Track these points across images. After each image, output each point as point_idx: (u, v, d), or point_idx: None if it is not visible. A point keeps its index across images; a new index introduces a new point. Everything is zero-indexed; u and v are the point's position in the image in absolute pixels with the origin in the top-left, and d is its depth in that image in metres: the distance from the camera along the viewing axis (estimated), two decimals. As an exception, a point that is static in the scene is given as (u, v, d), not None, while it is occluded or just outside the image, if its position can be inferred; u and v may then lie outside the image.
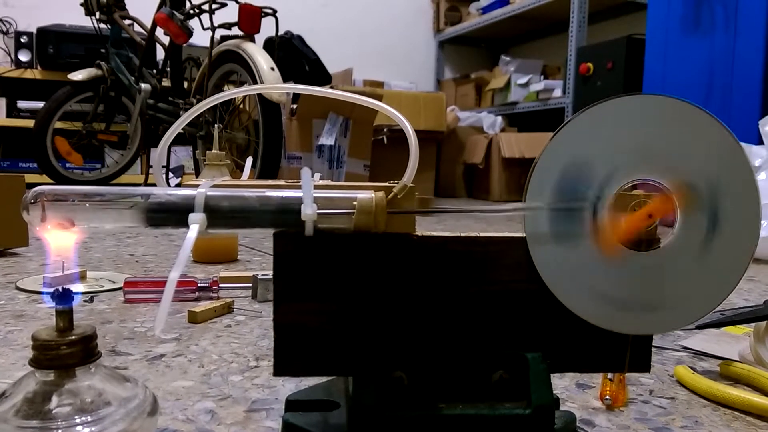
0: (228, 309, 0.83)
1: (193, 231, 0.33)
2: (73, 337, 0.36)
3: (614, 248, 0.36)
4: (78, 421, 0.35)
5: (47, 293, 0.87)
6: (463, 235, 0.38)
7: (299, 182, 0.37)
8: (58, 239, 0.36)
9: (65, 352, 0.35)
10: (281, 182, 0.40)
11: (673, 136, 0.36)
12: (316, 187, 0.37)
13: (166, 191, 0.36)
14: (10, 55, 3.36)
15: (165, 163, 2.58)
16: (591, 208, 0.36)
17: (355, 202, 0.36)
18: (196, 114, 0.42)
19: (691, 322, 0.38)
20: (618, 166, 0.36)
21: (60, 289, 0.35)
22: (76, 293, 0.37)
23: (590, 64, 3.02)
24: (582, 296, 0.37)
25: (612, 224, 0.36)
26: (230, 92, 0.43)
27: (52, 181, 2.72)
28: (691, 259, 0.37)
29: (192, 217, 0.34)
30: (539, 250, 0.37)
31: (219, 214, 0.35)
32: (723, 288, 0.37)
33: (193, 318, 0.77)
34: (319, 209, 0.35)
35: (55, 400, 0.35)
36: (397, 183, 0.38)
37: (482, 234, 0.39)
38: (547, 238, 0.37)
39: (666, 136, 0.36)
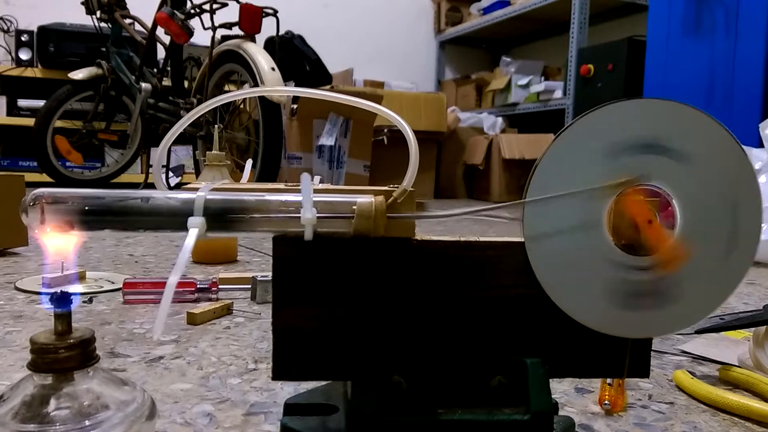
0: (227, 310, 0.83)
1: (192, 235, 0.33)
2: (72, 341, 0.36)
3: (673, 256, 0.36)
4: (76, 425, 0.34)
5: (46, 294, 0.87)
6: (462, 239, 0.38)
7: (299, 185, 0.37)
8: (57, 242, 0.36)
9: (63, 356, 0.35)
10: (281, 185, 0.40)
11: (674, 140, 0.36)
12: (316, 191, 0.36)
13: (165, 194, 0.36)
14: (10, 53, 3.36)
15: (165, 164, 2.58)
16: (591, 197, 0.36)
17: (354, 207, 0.36)
18: (198, 115, 0.41)
19: (690, 325, 0.38)
20: (617, 171, 0.36)
21: (58, 293, 0.35)
22: (75, 296, 0.37)
23: (591, 66, 3.02)
24: (580, 300, 0.37)
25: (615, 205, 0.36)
26: (232, 94, 0.43)
27: (52, 180, 2.72)
28: (691, 262, 0.37)
29: (191, 220, 0.34)
30: (537, 254, 0.37)
31: (218, 218, 0.35)
32: (722, 292, 0.37)
33: (192, 319, 0.77)
34: (318, 213, 0.35)
35: (53, 403, 0.35)
36: (397, 187, 0.38)
37: (481, 238, 0.39)
38: (547, 240, 0.37)
39: (668, 140, 0.36)
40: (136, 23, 2.54)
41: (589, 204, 0.36)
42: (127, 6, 2.56)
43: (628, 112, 0.36)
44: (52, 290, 0.35)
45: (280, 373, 0.38)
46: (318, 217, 0.35)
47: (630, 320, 0.37)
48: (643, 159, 0.36)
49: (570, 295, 0.37)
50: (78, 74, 2.55)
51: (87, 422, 0.35)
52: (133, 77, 2.47)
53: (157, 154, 0.44)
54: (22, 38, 3.29)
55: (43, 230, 0.35)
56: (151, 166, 3.05)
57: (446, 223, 1.90)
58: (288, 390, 0.56)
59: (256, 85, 1.91)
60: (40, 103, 2.83)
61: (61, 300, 0.35)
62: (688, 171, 0.36)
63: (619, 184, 0.36)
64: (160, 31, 2.29)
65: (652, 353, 0.41)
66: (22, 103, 3.29)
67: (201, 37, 2.27)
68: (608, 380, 0.55)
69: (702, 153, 0.36)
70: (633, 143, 0.36)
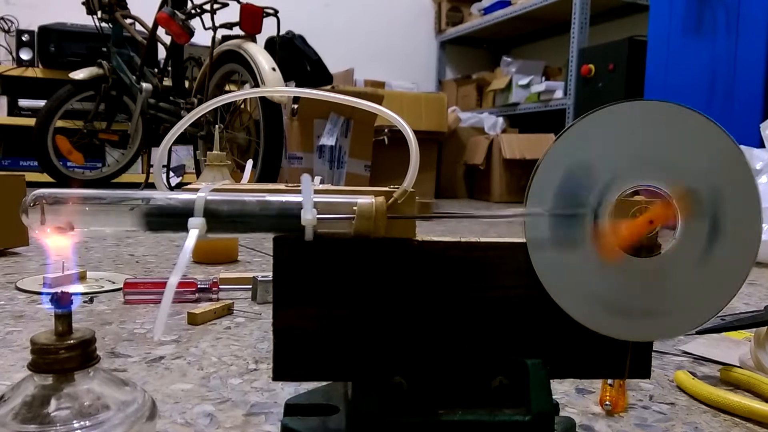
0: (228, 311, 0.82)
1: (192, 236, 0.33)
2: (72, 342, 0.36)
3: (615, 253, 0.36)
4: (77, 425, 0.34)
5: (46, 294, 0.87)
6: (463, 240, 0.38)
7: (299, 186, 0.37)
8: (57, 242, 0.36)
9: (64, 357, 0.35)
10: (281, 186, 0.40)
11: (674, 142, 0.36)
12: (317, 191, 0.36)
13: (165, 195, 0.36)
14: (11, 53, 3.36)
15: (165, 164, 2.58)
16: (592, 213, 0.36)
17: (355, 207, 0.36)
18: (199, 115, 0.41)
19: (692, 328, 0.38)
20: (619, 172, 0.36)
21: (59, 293, 0.35)
22: (75, 296, 0.37)
23: (592, 66, 3.02)
24: (582, 302, 0.37)
25: (613, 229, 0.36)
26: (233, 94, 0.43)
27: (53, 180, 2.72)
28: (692, 265, 0.37)
29: (191, 221, 0.34)
30: (540, 255, 0.37)
31: (218, 219, 0.35)
32: (724, 294, 0.37)
33: (193, 320, 0.77)
34: (319, 214, 0.35)
35: (53, 404, 0.35)
36: (398, 187, 0.38)
37: (482, 239, 0.39)
38: (548, 244, 0.37)
39: (667, 142, 0.36)
40: (136, 23, 2.55)
41: (591, 205, 0.36)
42: (128, 6, 2.56)
43: (629, 113, 0.36)
44: (53, 290, 0.35)
45: (280, 373, 0.38)
46: (318, 218, 0.35)
47: (631, 323, 0.37)
48: (642, 160, 0.36)
49: (571, 297, 0.37)
50: (79, 74, 2.56)
51: (87, 423, 0.35)
52: (134, 77, 2.47)
53: (158, 154, 0.44)
54: (23, 38, 3.29)
55: (43, 231, 0.35)
56: (151, 166, 3.05)
57: (447, 224, 1.90)
58: (288, 390, 0.56)
59: (256, 85, 1.91)
60: (41, 103, 2.83)
61: (62, 300, 0.35)
62: (688, 171, 0.36)
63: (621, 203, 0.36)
64: (160, 31, 2.29)
65: (653, 354, 0.41)
66: (23, 103, 3.29)
67: (202, 37, 2.27)
68: (609, 381, 0.54)
69: (702, 156, 0.36)
70: (633, 144, 0.36)
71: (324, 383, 0.46)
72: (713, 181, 0.36)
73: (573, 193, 0.36)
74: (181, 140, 2.69)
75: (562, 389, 0.58)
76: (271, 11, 2.04)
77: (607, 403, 0.53)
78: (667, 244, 0.37)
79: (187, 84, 2.42)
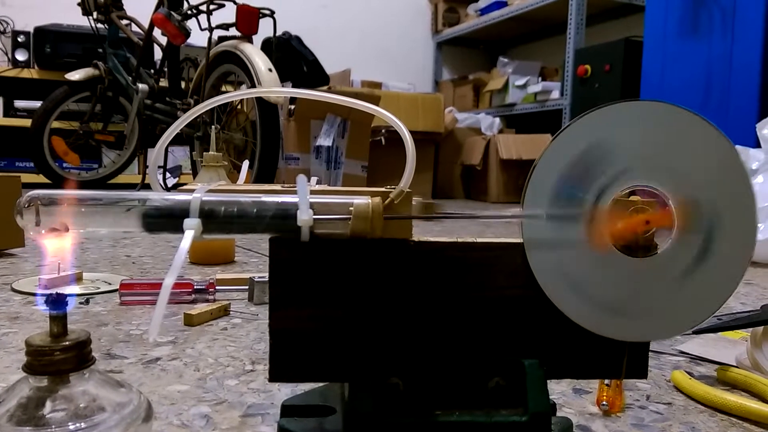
0: (224, 312, 0.82)
1: (188, 237, 0.33)
2: (67, 343, 0.35)
3: (605, 245, 0.36)
4: (72, 427, 0.34)
5: (41, 295, 0.86)
6: (460, 240, 0.38)
7: (296, 187, 0.36)
8: (53, 243, 0.36)
9: (59, 358, 0.35)
10: (277, 187, 0.40)
11: (670, 143, 0.36)
12: (313, 192, 0.36)
13: (161, 196, 0.35)
14: (7, 54, 3.35)
15: (161, 165, 2.58)
16: (588, 214, 0.36)
17: (351, 208, 0.36)
18: (195, 116, 0.41)
19: (688, 329, 0.38)
20: (616, 172, 0.36)
21: (54, 295, 0.35)
22: (70, 297, 0.36)
23: (588, 66, 3.03)
24: (579, 303, 0.37)
25: (608, 220, 0.36)
26: (229, 95, 0.43)
27: (48, 181, 2.72)
28: (688, 266, 0.37)
29: (187, 222, 0.34)
30: (537, 256, 0.37)
31: (214, 220, 0.35)
32: (720, 295, 0.37)
33: (189, 321, 0.77)
34: (315, 215, 0.35)
35: (48, 405, 0.35)
36: (395, 188, 0.38)
37: (479, 240, 0.39)
38: (545, 244, 0.37)
39: (663, 143, 0.36)
40: (132, 24, 2.54)
41: (588, 205, 0.36)
42: (124, 7, 2.56)
43: (626, 114, 0.36)
44: (48, 292, 0.35)
45: (277, 374, 0.38)
46: (314, 219, 0.35)
47: (628, 323, 0.37)
48: (639, 160, 0.36)
49: (568, 297, 0.37)
50: (75, 75, 2.55)
51: (83, 424, 0.35)
52: (130, 78, 2.46)
53: (154, 155, 0.44)
54: (19, 39, 3.29)
55: (38, 232, 0.35)
56: (148, 166, 3.05)
57: (444, 224, 1.90)
58: (285, 391, 0.56)
59: (253, 85, 1.91)
60: (37, 104, 2.82)
61: (56, 302, 0.35)
62: (686, 173, 0.36)
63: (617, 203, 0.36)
64: (157, 32, 2.29)
65: (650, 354, 0.41)
66: (19, 104, 3.28)
67: (198, 38, 2.27)
68: (606, 381, 0.54)
69: (698, 157, 0.36)
70: (631, 145, 0.36)
71: (321, 384, 0.46)
72: (709, 183, 0.36)
73: (570, 194, 0.36)
74: (177, 141, 2.69)
75: (559, 389, 0.58)
76: (267, 12, 2.04)
77: (604, 403, 0.53)
78: (664, 245, 0.37)
79: (183, 85, 2.42)
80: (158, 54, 2.49)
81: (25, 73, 3.27)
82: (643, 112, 0.36)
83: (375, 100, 2.57)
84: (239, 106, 2.15)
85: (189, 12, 2.13)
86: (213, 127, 1.40)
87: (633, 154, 0.36)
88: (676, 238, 0.36)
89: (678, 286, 0.37)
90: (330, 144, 2.50)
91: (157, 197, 0.35)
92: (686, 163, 0.36)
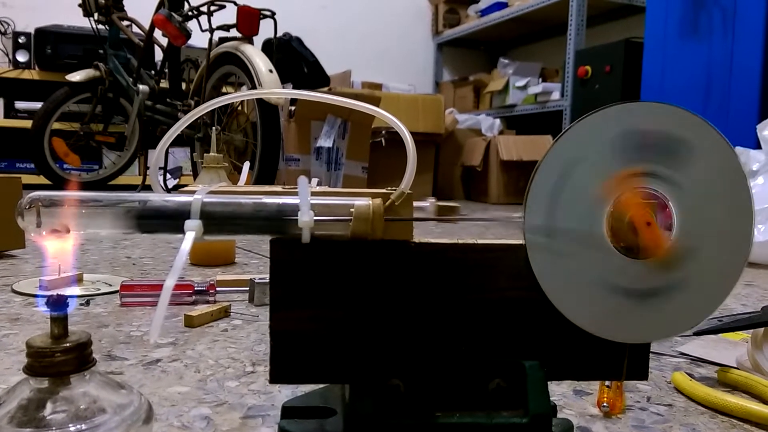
0: (225, 313, 0.82)
1: (189, 238, 0.33)
2: (68, 344, 0.35)
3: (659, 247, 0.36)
4: (72, 428, 0.34)
5: (42, 297, 0.86)
6: (460, 242, 0.38)
7: (296, 188, 0.36)
8: (54, 245, 0.36)
9: (60, 360, 0.35)
10: (278, 188, 0.40)
11: (671, 144, 0.36)
12: (314, 193, 0.36)
13: (162, 197, 0.35)
14: (8, 55, 3.36)
15: (162, 166, 2.58)
16: (590, 218, 0.36)
17: (352, 209, 0.36)
18: (195, 117, 0.41)
19: (687, 329, 0.38)
20: (616, 174, 0.36)
21: (54, 296, 0.35)
22: (71, 298, 0.36)
23: (588, 68, 3.03)
24: (579, 304, 0.37)
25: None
26: (230, 96, 0.43)
27: (49, 182, 2.72)
28: (687, 266, 0.37)
29: (188, 224, 0.34)
30: (537, 257, 0.37)
31: (215, 221, 0.35)
32: (717, 295, 0.37)
33: (190, 322, 0.77)
34: (316, 216, 0.35)
35: (49, 407, 0.35)
36: (395, 189, 0.38)
37: (480, 241, 0.39)
38: (546, 247, 0.37)
39: (664, 143, 0.36)
40: (133, 25, 2.54)
41: (589, 208, 0.36)
42: (125, 8, 2.56)
43: (627, 115, 0.36)
44: (49, 293, 0.35)
45: (277, 376, 0.38)
46: (315, 220, 0.35)
47: (628, 324, 0.37)
48: (641, 162, 0.36)
49: (569, 298, 0.37)
50: (75, 76, 2.55)
51: (83, 426, 0.35)
52: (131, 79, 2.47)
53: (155, 157, 0.44)
54: (20, 40, 3.29)
55: (39, 233, 0.35)
56: (148, 168, 3.05)
57: (444, 225, 1.89)
58: (285, 393, 0.56)
59: (253, 87, 1.91)
60: (38, 105, 2.82)
61: (57, 303, 0.35)
62: (685, 175, 0.36)
63: (618, 178, 0.36)
64: (157, 33, 2.29)
65: (651, 355, 0.41)
66: (20, 105, 3.29)
67: (198, 39, 2.27)
68: (607, 382, 0.54)
69: (698, 158, 0.36)
70: (631, 146, 0.36)
71: (321, 386, 0.46)
72: (708, 183, 0.36)
73: (573, 195, 0.36)
74: (177, 142, 2.69)
75: (559, 391, 0.58)
76: (268, 13, 2.04)
77: (605, 404, 0.53)
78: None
79: (184, 86, 2.42)
80: (159, 55, 2.49)
81: (26, 74, 3.27)
82: (643, 112, 0.36)
83: (375, 101, 2.58)
84: (240, 108, 2.15)
85: (190, 13, 2.13)
86: (213, 128, 1.40)
87: (633, 155, 0.36)
88: (676, 237, 0.36)
89: (678, 286, 0.37)
90: (330, 145, 2.50)
91: (158, 198, 0.35)
92: (686, 161, 0.36)
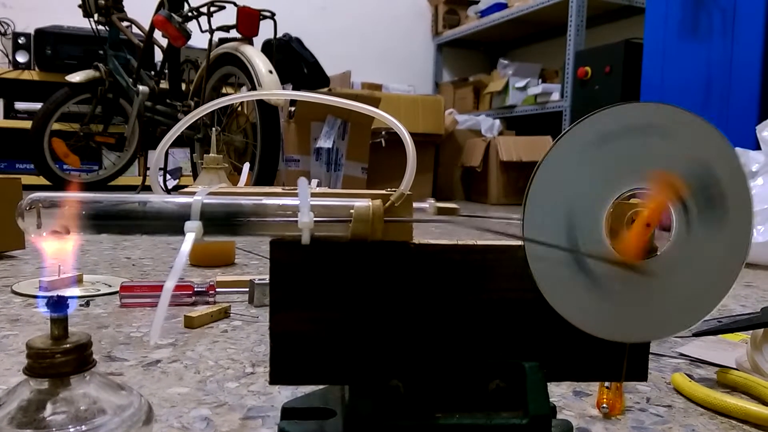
0: (224, 314, 0.82)
1: (189, 239, 0.33)
2: (68, 346, 0.35)
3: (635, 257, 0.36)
4: (72, 430, 0.34)
5: (42, 297, 0.86)
6: (460, 243, 0.38)
7: (296, 189, 0.37)
8: (55, 246, 0.36)
9: (60, 361, 0.35)
10: (278, 189, 0.40)
11: (670, 144, 0.36)
12: (313, 194, 0.36)
13: (162, 198, 0.35)
14: (7, 56, 3.36)
15: (162, 166, 2.58)
16: (588, 226, 0.36)
17: (352, 210, 0.36)
18: (195, 119, 0.41)
19: (687, 328, 0.38)
20: (617, 175, 0.36)
21: (54, 297, 0.35)
22: (71, 299, 0.36)
23: (588, 68, 3.03)
24: (578, 304, 0.37)
25: (626, 245, 0.36)
26: (230, 97, 0.43)
27: (49, 183, 2.72)
28: (686, 266, 0.37)
29: (188, 225, 0.34)
30: (536, 257, 0.37)
31: (215, 222, 0.35)
32: (717, 293, 0.37)
33: (190, 323, 0.77)
34: (315, 217, 0.35)
35: (49, 408, 0.35)
36: (395, 190, 0.38)
37: (480, 242, 0.39)
38: (546, 248, 0.37)
39: (663, 144, 0.36)
40: (133, 26, 2.54)
41: (589, 209, 0.36)
42: (125, 9, 2.56)
43: (627, 116, 0.36)
44: (49, 294, 0.35)
45: (277, 377, 0.38)
46: (315, 221, 0.35)
47: (627, 324, 0.37)
48: (640, 163, 0.36)
49: (568, 299, 0.37)
50: (75, 77, 2.55)
51: (83, 427, 0.35)
52: (131, 80, 2.47)
53: (155, 158, 0.44)
54: (20, 41, 3.29)
55: (39, 235, 0.35)
56: (148, 168, 3.05)
57: (444, 226, 1.90)
58: (285, 394, 0.56)
59: (253, 87, 1.91)
60: (38, 105, 2.82)
61: (57, 305, 0.35)
62: (685, 175, 0.36)
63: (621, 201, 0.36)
64: (157, 34, 2.29)
65: (650, 356, 0.41)
66: (19, 105, 3.29)
67: (198, 39, 2.27)
68: (606, 383, 0.54)
69: (699, 158, 0.36)
70: (631, 147, 0.36)
71: (321, 387, 0.46)
72: (708, 184, 0.36)
73: (572, 195, 0.36)
74: (177, 143, 2.69)
75: (559, 392, 0.58)
76: (267, 14, 2.04)
77: (604, 405, 0.53)
78: (663, 246, 0.37)
79: (183, 87, 2.42)
80: (159, 56, 2.49)
81: (26, 75, 3.27)
82: (643, 113, 0.36)
83: (375, 101, 2.58)
84: (239, 108, 2.15)
85: (189, 14, 2.14)
86: (213, 129, 1.40)
87: (632, 156, 0.36)
88: (675, 237, 0.36)
89: (678, 285, 0.37)
90: (330, 146, 2.50)
91: (158, 199, 0.35)
92: (684, 162, 0.36)
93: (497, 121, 3.65)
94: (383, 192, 0.38)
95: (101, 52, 2.59)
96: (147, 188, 2.66)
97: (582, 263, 0.37)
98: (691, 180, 0.36)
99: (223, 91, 2.30)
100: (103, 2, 2.48)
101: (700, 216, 0.36)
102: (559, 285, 0.37)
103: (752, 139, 1.62)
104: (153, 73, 2.51)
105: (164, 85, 2.41)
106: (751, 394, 0.58)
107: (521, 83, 3.69)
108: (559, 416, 0.52)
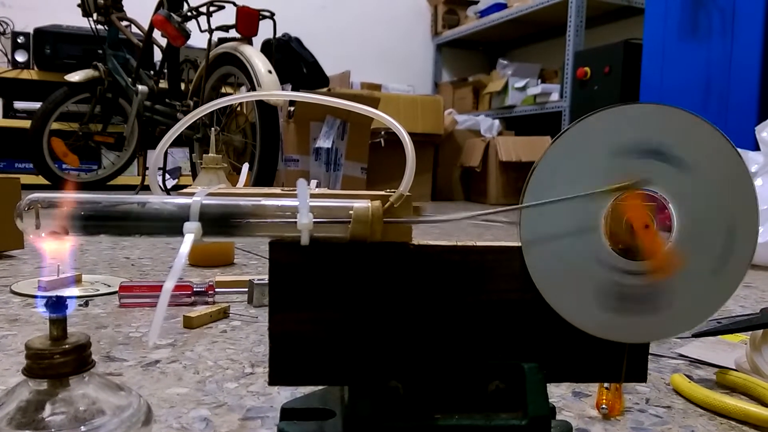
0: (224, 314, 0.82)
1: (188, 241, 0.33)
2: (67, 346, 0.35)
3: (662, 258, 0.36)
4: (72, 430, 0.34)
5: (41, 298, 0.86)
6: (459, 244, 0.38)
7: (295, 189, 0.36)
8: (53, 246, 0.36)
9: (59, 361, 0.35)
10: (277, 190, 0.40)
11: (671, 146, 0.36)
12: (313, 195, 0.36)
13: (161, 199, 0.35)
14: (6, 55, 3.35)
15: (161, 166, 2.58)
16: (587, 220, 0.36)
17: (351, 211, 0.36)
18: (195, 119, 0.41)
19: (688, 329, 0.38)
20: (616, 175, 0.36)
21: (53, 298, 0.35)
22: (70, 299, 0.36)
23: (587, 69, 3.03)
24: (577, 305, 0.37)
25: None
26: (230, 98, 0.43)
27: (48, 183, 2.71)
28: (687, 266, 0.37)
29: (187, 226, 0.34)
30: (534, 258, 0.37)
31: (214, 223, 0.35)
32: (720, 295, 0.37)
33: (189, 323, 0.77)
34: (315, 218, 0.35)
35: (48, 409, 0.35)
36: (394, 191, 0.38)
37: (478, 243, 0.39)
38: (542, 243, 0.37)
39: (664, 145, 0.36)
40: (132, 26, 2.54)
41: (587, 208, 0.36)
42: (124, 8, 2.56)
43: (626, 117, 0.36)
44: (48, 294, 0.35)
45: (276, 377, 0.38)
46: (314, 222, 0.35)
47: (626, 325, 0.37)
48: (640, 163, 0.36)
49: (567, 300, 0.37)
50: (74, 76, 2.55)
51: (83, 428, 0.35)
52: (130, 79, 2.46)
53: (154, 157, 0.44)
54: (19, 40, 3.29)
55: (38, 235, 0.35)
56: (147, 168, 3.05)
57: (443, 227, 1.89)
58: (285, 394, 0.56)
59: (253, 87, 1.90)
60: (37, 105, 2.82)
61: (56, 305, 0.35)
62: (686, 176, 0.36)
63: (616, 188, 0.36)
64: (156, 34, 2.29)
65: (650, 357, 0.41)
66: (19, 105, 3.28)
67: (198, 39, 2.27)
68: (606, 384, 0.54)
69: (699, 159, 0.36)
70: (630, 148, 0.36)
71: (320, 387, 0.46)
72: (710, 185, 0.36)
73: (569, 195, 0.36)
74: (176, 143, 2.68)
75: (558, 392, 0.58)
76: (267, 14, 2.04)
77: (604, 406, 0.53)
78: (664, 246, 0.37)
79: (183, 86, 2.41)
80: (158, 55, 2.49)
81: (25, 74, 3.27)
82: (643, 114, 0.36)
83: (374, 102, 2.57)
84: (239, 108, 2.15)
85: (189, 13, 2.13)
86: (213, 129, 1.40)
87: (632, 157, 0.36)
88: (676, 238, 0.36)
89: (678, 286, 0.37)
90: (329, 146, 2.50)
91: (157, 200, 0.35)
92: (686, 163, 0.36)
93: (496, 122, 3.65)
94: (382, 193, 0.38)
95: (100, 51, 2.59)
96: (146, 188, 2.66)
97: (581, 260, 0.37)
98: (698, 190, 0.36)
99: (223, 90, 2.30)
100: (102, 2, 2.48)
101: (701, 220, 0.36)
102: (557, 283, 0.37)
103: (751, 139, 1.63)
104: (152, 72, 2.51)
105: (163, 84, 2.41)
106: (751, 394, 0.58)
107: (520, 83, 3.69)
108: (559, 417, 0.52)
